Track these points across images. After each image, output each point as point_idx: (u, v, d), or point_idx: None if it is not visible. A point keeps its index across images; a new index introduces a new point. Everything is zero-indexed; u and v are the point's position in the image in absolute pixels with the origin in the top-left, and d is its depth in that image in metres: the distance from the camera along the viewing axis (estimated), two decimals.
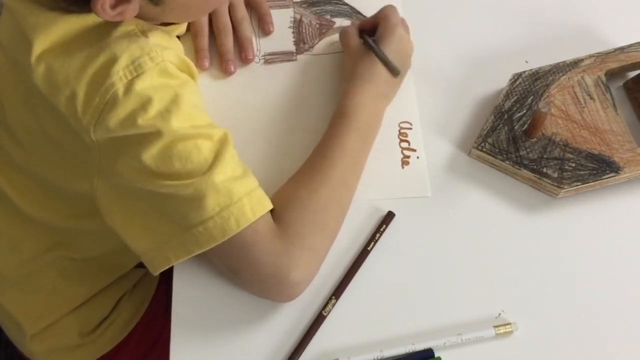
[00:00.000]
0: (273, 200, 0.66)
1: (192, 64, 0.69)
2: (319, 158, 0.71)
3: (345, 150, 0.70)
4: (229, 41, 0.81)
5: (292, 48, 0.84)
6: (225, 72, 0.80)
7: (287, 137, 0.77)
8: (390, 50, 0.75)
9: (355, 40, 0.77)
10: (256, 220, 0.63)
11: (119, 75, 0.60)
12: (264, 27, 0.84)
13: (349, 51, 0.78)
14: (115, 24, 0.63)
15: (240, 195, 0.62)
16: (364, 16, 0.85)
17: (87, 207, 0.69)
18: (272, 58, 0.83)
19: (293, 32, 0.85)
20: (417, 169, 0.76)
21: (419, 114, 0.79)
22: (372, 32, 0.78)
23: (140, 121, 0.60)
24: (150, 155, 0.60)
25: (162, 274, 0.66)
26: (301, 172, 0.71)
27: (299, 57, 0.83)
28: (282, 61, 0.83)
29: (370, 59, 0.75)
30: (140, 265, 0.87)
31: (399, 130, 0.78)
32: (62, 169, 0.71)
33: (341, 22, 0.85)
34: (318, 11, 0.86)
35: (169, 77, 0.63)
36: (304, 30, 0.84)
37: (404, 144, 0.77)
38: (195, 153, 0.61)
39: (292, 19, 0.85)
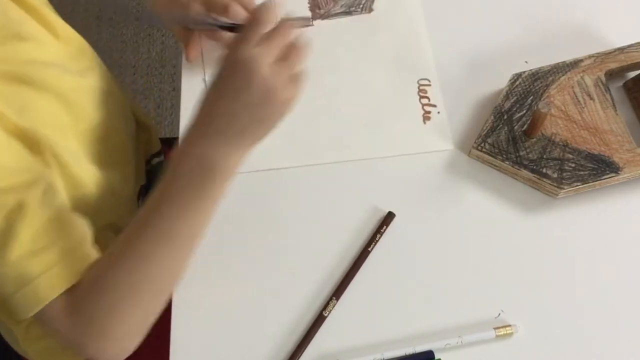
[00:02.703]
0: (87, 272, 0.61)
1: None
2: (131, 227, 0.61)
3: (156, 224, 0.60)
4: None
5: (308, 14, 0.85)
6: None
7: (309, 102, 0.77)
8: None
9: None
10: (53, 299, 0.59)
11: None
12: None
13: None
14: None
15: (35, 275, 0.58)
16: None
17: None
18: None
19: None
20: (438, 123, 0.78)
21: (436, 71, 0.81)
22: None
23: None
24: None
25: None
26: (116, 240, 0.62)
27: (315, 22, 0.85)
28: (299, 27, 0.83)
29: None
30: None
31: (419, 87, 0.80)
32: None
33: None
34: None
35: None
36: None
37: (424, 100, 0.79)
38: None
39: None
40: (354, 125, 0.78)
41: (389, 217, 0.72)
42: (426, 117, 0.78)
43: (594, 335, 0.67)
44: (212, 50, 0.82)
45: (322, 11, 0.85)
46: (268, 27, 0.58)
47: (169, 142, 1.08)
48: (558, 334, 0.67)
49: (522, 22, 0.84)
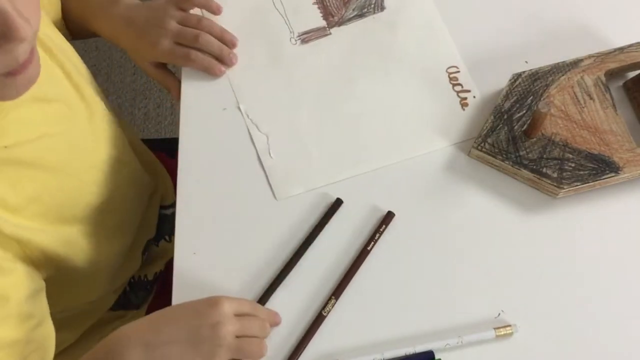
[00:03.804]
0: None
1: None
2: None
3: None
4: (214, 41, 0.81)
5: (323, 23, 0.85)
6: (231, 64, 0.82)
7: (340, 108, 0.80)
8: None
9: None
10: None
11: None
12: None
13: None
14: None
15: None
16: None
17: None
18: (307, 37, 0.84)
19: (318, 8, 0.86)
20: (477, 107, 0.78)
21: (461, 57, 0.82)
22: None
23: None
24: None
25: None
26: None
27: (332, 30, 0.85)
28: (317, 38, 0.84)
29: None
30: (118, 307, 0.88)
31: (449, 76, 0.81)
32: None
33: None
34: None
35: None
36: (328, 4, 0.86)
37: (458, 88, 0.80)
38: None
39: None
40: (394, 126, 0.78)
41: (388, 217, 0.72)
42: (464, 103, 0.79)
43: (594, 335, 0.67)
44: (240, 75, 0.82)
45: (336, 18, 0.85)
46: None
47: (169, 142, 1.08)
48: (558, 334, 0.67)
49: (522, 22, 0.84)
